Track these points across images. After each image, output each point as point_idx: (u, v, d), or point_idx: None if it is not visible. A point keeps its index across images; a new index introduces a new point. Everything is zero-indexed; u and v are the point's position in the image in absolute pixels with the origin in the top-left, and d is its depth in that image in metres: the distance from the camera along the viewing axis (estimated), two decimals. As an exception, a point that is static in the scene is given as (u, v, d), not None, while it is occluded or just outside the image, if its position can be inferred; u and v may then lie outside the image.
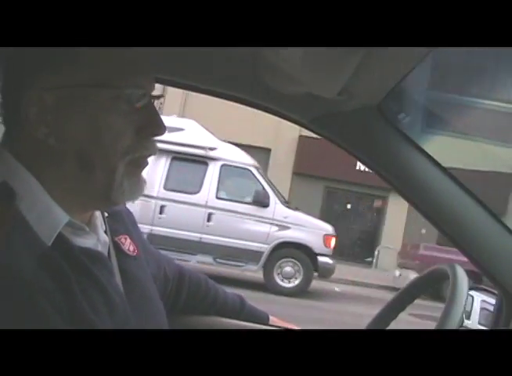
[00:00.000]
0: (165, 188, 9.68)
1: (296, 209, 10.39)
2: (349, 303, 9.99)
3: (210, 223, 9.65)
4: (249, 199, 9.78)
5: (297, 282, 9.88)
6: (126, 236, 1.05)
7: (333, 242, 10.02)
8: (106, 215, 1.01)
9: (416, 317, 6.93)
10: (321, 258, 9.88)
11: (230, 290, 1.42)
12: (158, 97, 0.95)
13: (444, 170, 1.29)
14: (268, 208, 9.76)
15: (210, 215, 9.66)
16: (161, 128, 0.92)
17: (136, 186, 0.92)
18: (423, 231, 14.91)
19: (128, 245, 1.03)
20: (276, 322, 1.41)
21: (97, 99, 0.87)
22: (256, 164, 10.37)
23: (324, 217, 13.99)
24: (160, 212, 9.61)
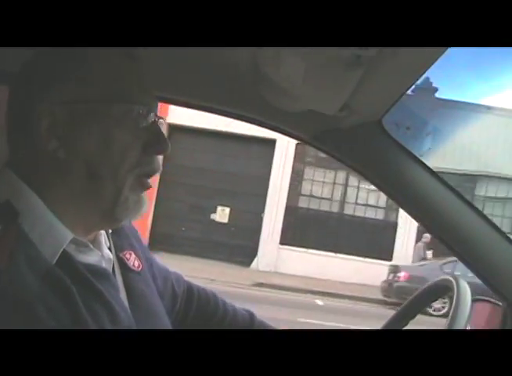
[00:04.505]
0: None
1: None
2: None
3: None
4: None
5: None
6: (131, 251, 1.05)
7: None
8: (110, 231, 1.01)
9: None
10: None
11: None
12: (160, 117, 0.97)
13: (446, 184, 1.30)
14: None
15: None
16: (165, 146, 0.94)
17: (139, 205, 0.93)
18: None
19: (132, 261, 1.04)
20: None
21: (108, 114, 0.88)
22: None
23: None
24: None
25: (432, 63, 0.97)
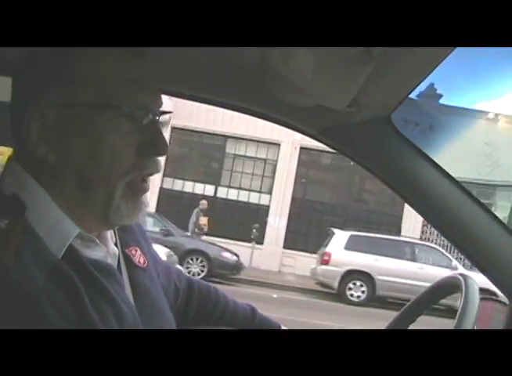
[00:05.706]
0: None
1: None
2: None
3: None
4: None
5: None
6: (136, 248, 1.04)
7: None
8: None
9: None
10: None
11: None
12: (166, 113, 0.94)
13: (454, 181, 1.28)
14: None
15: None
16: (163, 148, 0.91)
17: (135, 210, 0.91)
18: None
19: (138, 257, 1.03)
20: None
21: (96, 119, 0.86)
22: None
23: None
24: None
25: (441, 61, 0.96)
